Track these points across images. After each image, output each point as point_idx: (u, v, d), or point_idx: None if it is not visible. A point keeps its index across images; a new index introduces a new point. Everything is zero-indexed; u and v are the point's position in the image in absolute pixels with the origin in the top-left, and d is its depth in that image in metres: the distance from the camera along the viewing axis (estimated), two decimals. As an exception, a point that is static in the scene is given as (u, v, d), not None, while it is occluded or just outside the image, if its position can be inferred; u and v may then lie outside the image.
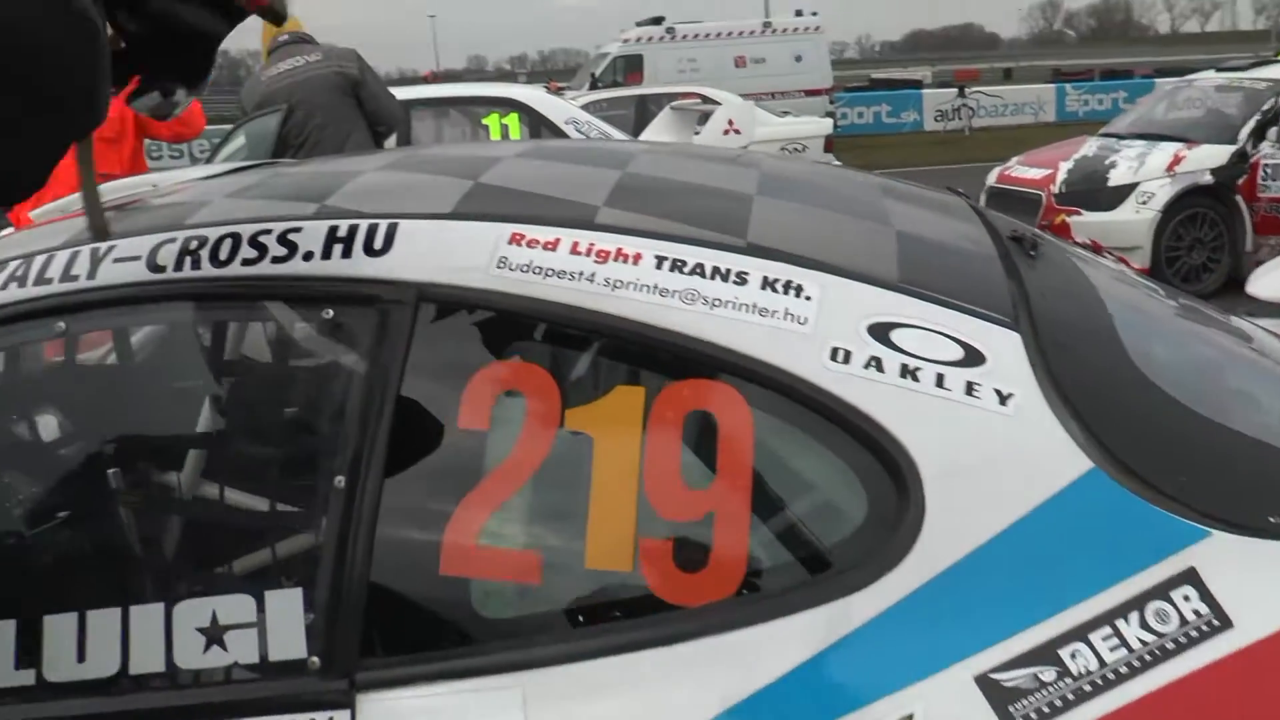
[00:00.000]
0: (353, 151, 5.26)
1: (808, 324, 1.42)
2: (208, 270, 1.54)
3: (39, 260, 1.61)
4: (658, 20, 24.54)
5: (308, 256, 1.52)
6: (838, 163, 12.87)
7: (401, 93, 6.86)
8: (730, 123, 11.66)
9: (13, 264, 1.62)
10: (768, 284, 1.46)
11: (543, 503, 1.45)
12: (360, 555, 1.40)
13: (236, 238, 1.56)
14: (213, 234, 1.57)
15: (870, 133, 25.92)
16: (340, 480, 1.42)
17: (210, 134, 10.57)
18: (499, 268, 1.48)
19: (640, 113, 14.64)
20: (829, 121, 15.18)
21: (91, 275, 1.58)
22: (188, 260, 1.55)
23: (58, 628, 1.45)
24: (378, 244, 1.52)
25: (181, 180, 2.08)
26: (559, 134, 7.13)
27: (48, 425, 1.81)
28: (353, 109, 5.51)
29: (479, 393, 1.45)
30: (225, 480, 1.69)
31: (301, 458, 1.63)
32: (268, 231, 1.56)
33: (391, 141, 6.22)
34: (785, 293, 1.45)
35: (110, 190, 2.00)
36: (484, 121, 7.43)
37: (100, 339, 1.91)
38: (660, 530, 1.40)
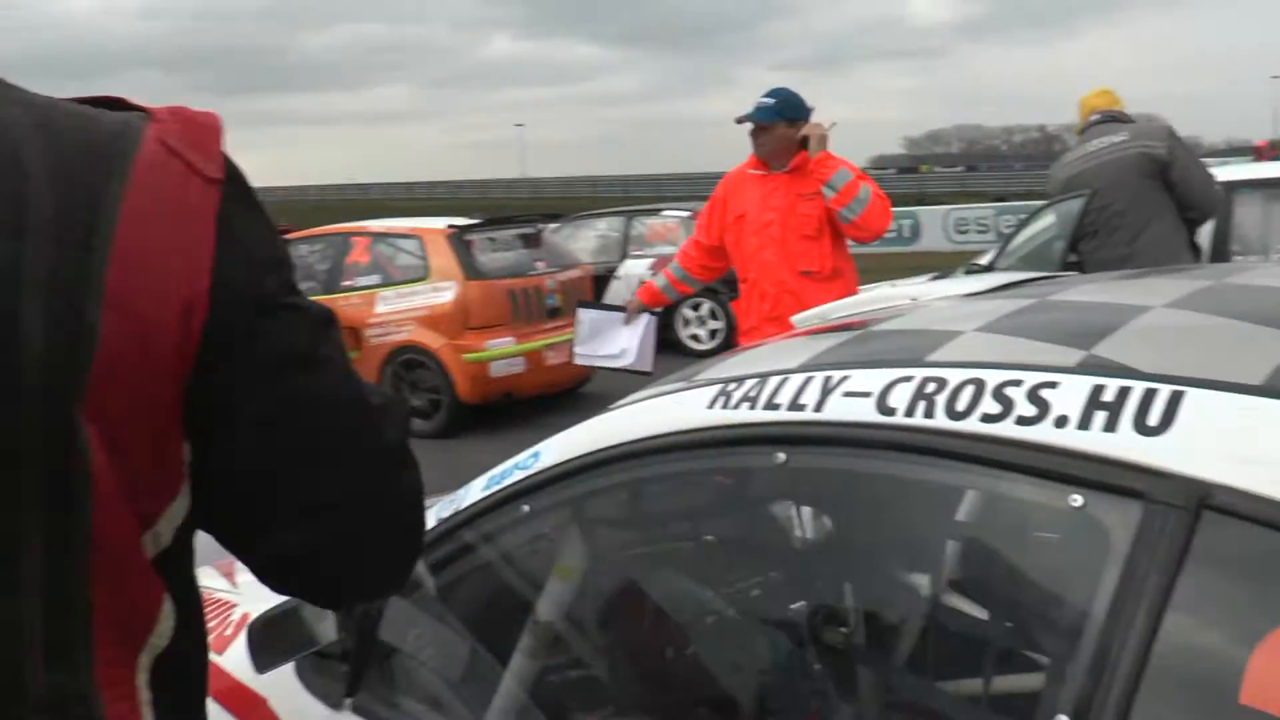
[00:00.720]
0: (1152, 243, 4.80)
1: None
2: (940, 421, 1.31)
3: (772, 382, 1.50)
4: None
5: (1060, 422, 1.22)
6: None
7: (1222, 173, 6.15)
8: None
9: (749, 382, 1.53)
10: None
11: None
12: None
13: (980, 385, 1.31)
14: (954, 377, 1.34)
15: None
16: None
17: (1016, 209, 10.55)
18: (1323, 476, 1.05)
19: None
20: None
21: (819, 407, 1.43)
22: (920, 406, 1.33)
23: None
24: (1152, 418, 1.17)
25: (940, 296, 1.87)
26: None
27: (732, 562, 1.71)
28: (1157, 193, 5.02)
29: (1277, 659, 1.03)
30: (914, 680, 1.44)
31: (1014, 678, 1.32)
32: (1017, 383, 1.28)
33: (1206, 230, 5.58)
34: None
35: (863, 303, 1.87)
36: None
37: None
38: None
